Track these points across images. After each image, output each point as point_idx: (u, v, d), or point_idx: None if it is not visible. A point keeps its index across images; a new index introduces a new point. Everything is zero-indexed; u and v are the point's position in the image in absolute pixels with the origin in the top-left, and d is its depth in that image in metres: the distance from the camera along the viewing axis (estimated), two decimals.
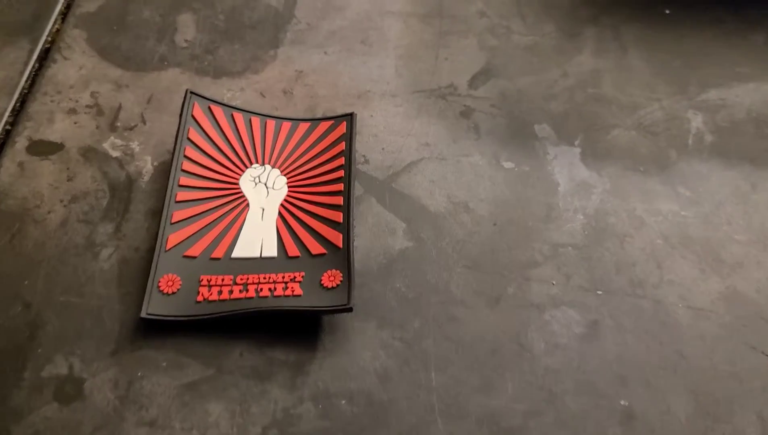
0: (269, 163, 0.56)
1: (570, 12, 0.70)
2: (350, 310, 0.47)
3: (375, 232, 0.54)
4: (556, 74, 0.65)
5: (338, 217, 0.52)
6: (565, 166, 0.58)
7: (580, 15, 0.70)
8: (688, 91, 0.64)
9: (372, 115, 0.61)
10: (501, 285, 0.51)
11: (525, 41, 0.68)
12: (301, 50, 0.66)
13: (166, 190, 0.53)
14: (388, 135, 0.60)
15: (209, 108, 0.57)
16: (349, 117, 0.58)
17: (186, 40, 0.66)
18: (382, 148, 0.59)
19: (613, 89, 0.64)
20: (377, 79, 0.64)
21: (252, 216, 0.53)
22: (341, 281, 0.49)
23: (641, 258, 0.53)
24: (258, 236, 0.52)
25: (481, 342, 0.48)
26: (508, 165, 0.58)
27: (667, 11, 0.71)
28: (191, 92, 0.57)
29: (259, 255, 0.51)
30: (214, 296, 0.48)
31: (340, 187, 0.54)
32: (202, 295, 0.48)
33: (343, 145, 0.56)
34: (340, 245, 0.51)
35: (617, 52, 0.67)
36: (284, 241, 0.52)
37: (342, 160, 0.55)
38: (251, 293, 0.49)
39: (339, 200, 0.53)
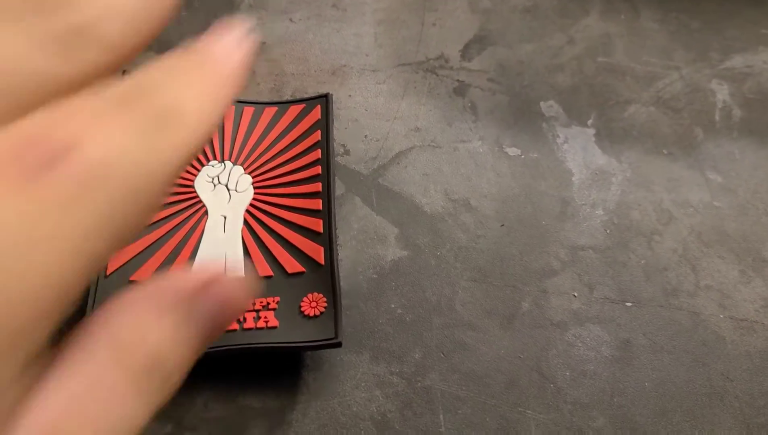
0: (230, 160, 0.47)
1: None
2: (339, 344, 0.38)
3: (362, 240, 0.45)
4: (561, 40, 0.56)
5: (318, 225, 0.43)
6: (579, 151, 0.50)
7: None
8: (709, 57, 0.56)
9: (350, 96, 0.52)
10: (514, 300, 0.43)
11: (523, 1, 0.59)
12: (262, 17, 0.56)
13: None
14: (371, 119, 0.51)
15: None
16: (324, 99, 0.48)
17: None
18: (365, 136, 0.50)
19: (627, 57, 0.55)
20: (354, 50, 0.54)
21: (212, 227, 0.44)
22: (325, 308, 0.40)
23: (673, 260, 0.45)
24: (220, 252, 0.43)
25: (495, 373, 0.40)
26: (512, 152, 0.49)
27: None
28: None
29: None
30: None
31: (318, 187, 0.45)
32: None
33: (318, 135, 0.47)
34: (322, 261, 0.42)
35: (628, 12, 0.58)
36: (253, 257, 0.43)
37: (318, 153, 0.46)
38: None
39: (317, 204, 0.44)
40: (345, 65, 0.53)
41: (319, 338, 0.39)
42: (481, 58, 0.54)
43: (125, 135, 0.15)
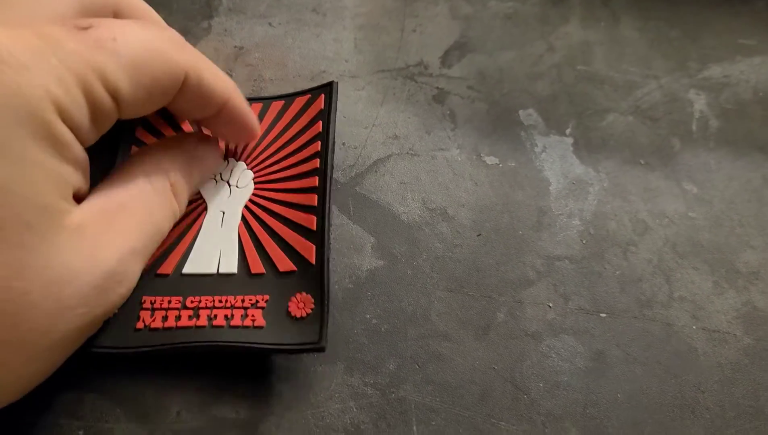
0: (233, 156, 0.46)
1: None
2: (322, 349, 0.37)
3: (338, 249, 0.45)
4: (541, 48, 0.56)
5: (311, 222, 0.42)
6: (557, 161, 0.50)
7: None
8: (687, 66, 0.56)
9: None
10: (490, 311, 0.43)
11: (504, 8, 0.59)
12: (240, 21, 0.55)
13: None
14: (350, 126, 0.50)
15: None
16: (329, 87, 0.46)
17: None
18: (343, 143, 0.49)
19: (606, 66, 0.56)
20: (333, 56, 0.54)
21: (210, 222, 0.43)
22: (312, 310, 0.39)
23: (648, 271, 0.46)
24: (215, 247, 0.42)
25: (469, 384, 0.40)
26: (490, 160, 0.49)
27: None
28: None
29: (215, 271, 0.41)
30: (158, 323, 0.38)
31: (315, 181, 0.43)
32: (143, 320, 0.38)
33: (319, 126, 0.45)
34: (313, 260, 0.40)
35: (608, 20, 0.59)
36: (247, 253, 0.42)
37: (317, 146, 0.44)
38: (203, 321, 0.39)
39: (313, 199, 0.42)
40: (324, 71, 0.53)
41: (303, 341, 0.38)
42: (461, 65, 0.54)
43: (144, 31, 0.32)
